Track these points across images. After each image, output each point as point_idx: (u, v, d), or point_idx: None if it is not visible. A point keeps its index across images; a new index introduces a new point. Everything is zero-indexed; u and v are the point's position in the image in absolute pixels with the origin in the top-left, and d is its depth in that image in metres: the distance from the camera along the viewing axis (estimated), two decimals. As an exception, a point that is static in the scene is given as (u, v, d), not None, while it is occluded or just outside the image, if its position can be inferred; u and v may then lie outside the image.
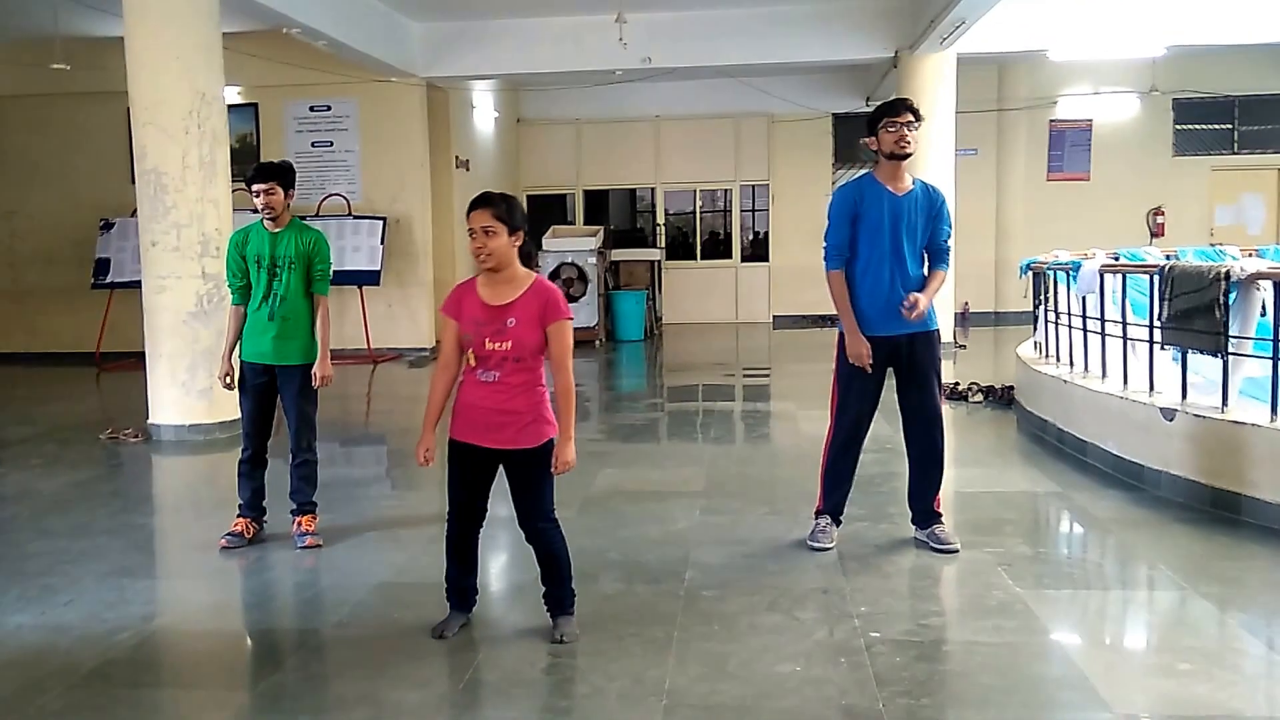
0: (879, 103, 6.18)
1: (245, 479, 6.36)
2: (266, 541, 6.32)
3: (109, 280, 15.41)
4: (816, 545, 5.91)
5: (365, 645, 4.73)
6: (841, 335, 5.88)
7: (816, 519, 6.05)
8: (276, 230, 6.24)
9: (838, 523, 6.06)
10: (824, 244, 5.89)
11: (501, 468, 4.67)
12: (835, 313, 5.84)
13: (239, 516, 6.35)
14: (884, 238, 5.71)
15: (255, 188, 6.16)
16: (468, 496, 4.72)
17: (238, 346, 6.37)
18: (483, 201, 4.54)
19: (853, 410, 5.93)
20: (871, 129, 5.78)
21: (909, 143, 5.67)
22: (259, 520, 6.41)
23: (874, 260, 5.75)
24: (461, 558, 4.82)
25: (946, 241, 5.88)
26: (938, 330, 5.93)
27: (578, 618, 4.77)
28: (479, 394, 4.56)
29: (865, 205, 5.75)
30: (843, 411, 5.95)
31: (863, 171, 5.96)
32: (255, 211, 6.21)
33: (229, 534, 6.28)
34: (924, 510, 6.01)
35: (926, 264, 5.89)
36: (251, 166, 6.37)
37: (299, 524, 6.30)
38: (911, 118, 5.68)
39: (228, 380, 6.43)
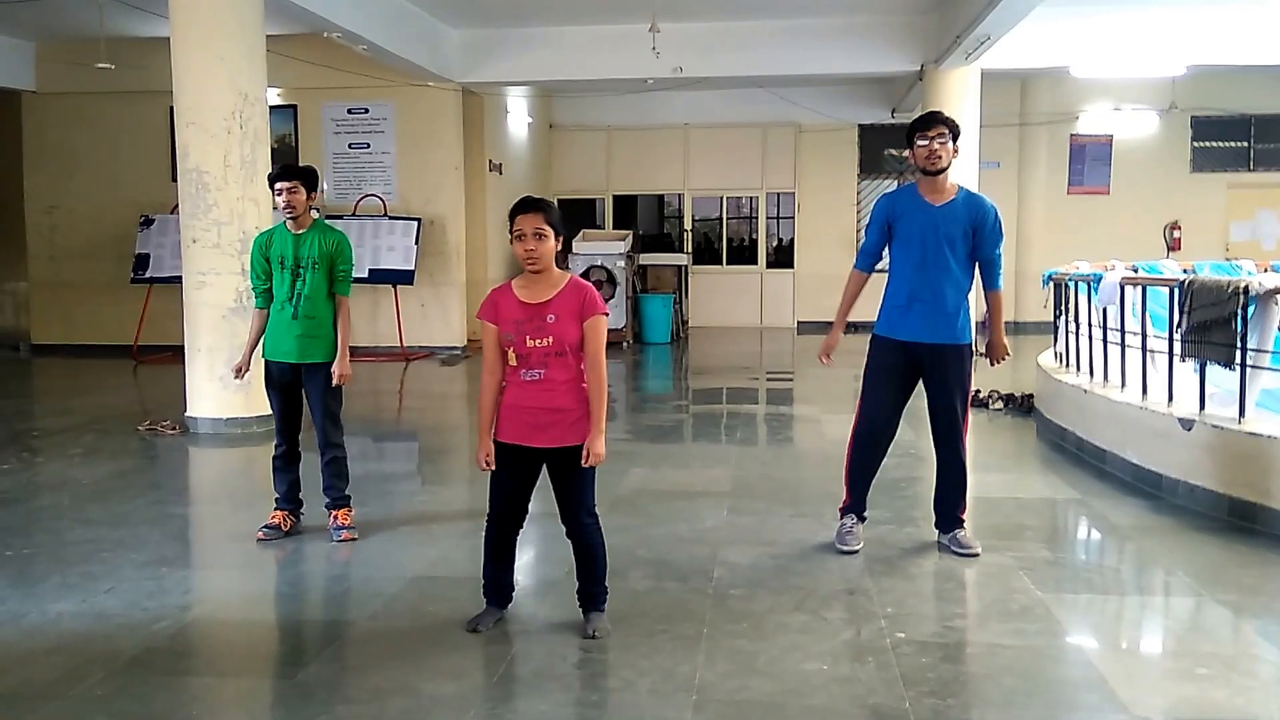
0: (908, 114, 6.29)
1: (280, 473, 6.45)
2: (303, 534, 6.40)
3: (148, 275, 15.68)
4: (844, 548, 5.99)
5: (400, 637, 4.79)
6: (872, 339, 6.00)
7: (842, 518, 6.14)
8: (299, 231, 6.33)
9: (862, 519, 6.15)
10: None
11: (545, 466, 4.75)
12: (860, 320, 5.96)
13: (275, 509, 6.45)
14: (914, 248, 5.80)
15: (278, 185, 6.25)
16: (511, 497, 4.78)
17: (259, 346, 6.47)
18: (533, 205, 4.59)
19: (872, 410, 6.04)
20: (908, 142, 5.88)
21: (939, 158, 5.74)
22: (296, 513, 6.50)
23: (903, 268, 5.86)
24: (500, 556, 4.89)
25: (995, 252, 5.86)
26: (969, 345, 5.93)
27: (609, 613, 4.83)
28: (525, 394, 4.62)
29: (899, 215, 5.86)
30: (864, 410, 6.07)
31: (903, 183, 6.07)
32: (278, 210, 6.35)
33: (266, 526, 6.37)
34: (947, 515, 6.09)
35: (979, 279, 5.93)
36: (275, 166, 6.49)
37: (334, 517, 6.39)
38: (943, 131, 5.75)
39: (239, 374, 6.54)
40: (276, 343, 6.34)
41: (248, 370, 6.54)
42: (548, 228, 4.56)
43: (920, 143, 5.77)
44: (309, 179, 6.38)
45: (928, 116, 5.91)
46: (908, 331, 5.86)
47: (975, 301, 6.03)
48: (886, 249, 6.03)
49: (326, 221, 6.63)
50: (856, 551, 5.98)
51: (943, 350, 5.85)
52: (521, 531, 4.90)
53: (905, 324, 5.86)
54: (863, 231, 5.94)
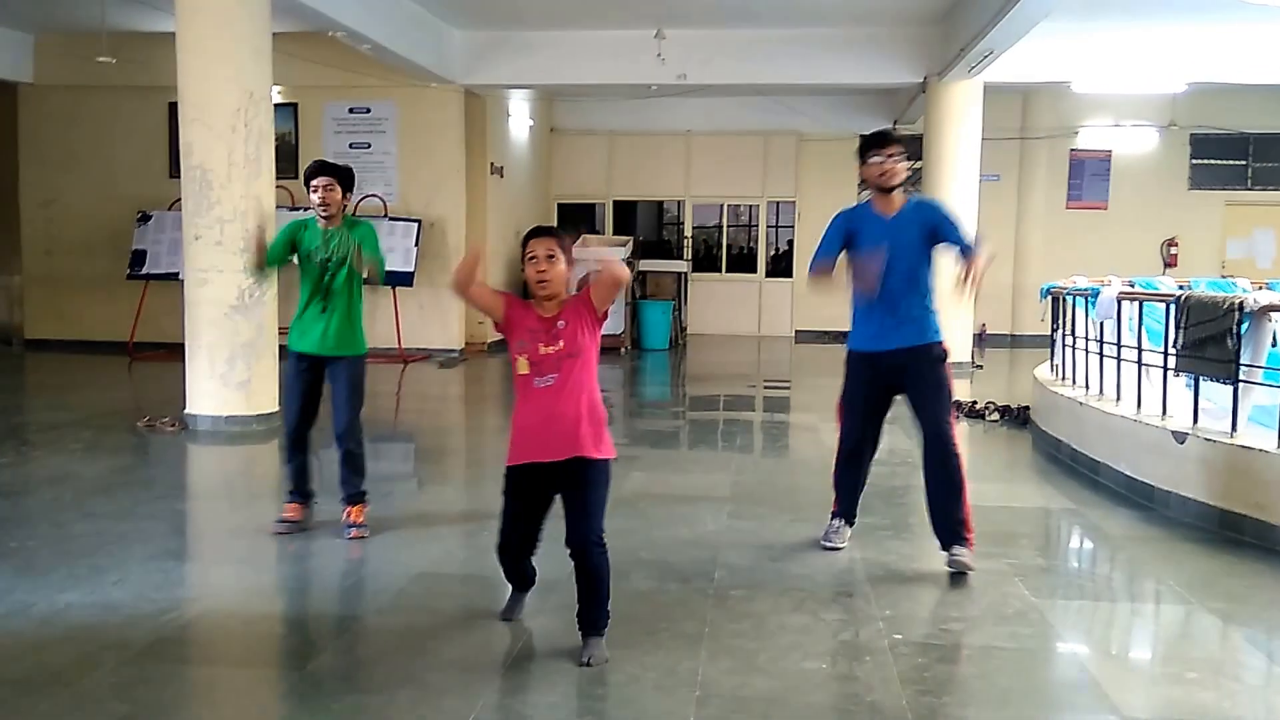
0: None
1: (289, 466, 6.50)
2: (310, 530, 6.41)
3: (144, 272, 15.69)
4: (828, 545, 6.17)
5: (408, 630, 4.83)
6: (849, 354, 6.04)
7: (831, 520, 6.29)
8: (329, 229, 6.37)
9: (851, 524, 6.28)
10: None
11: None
12: (839, 329, 5.99)
13: (289, 502, 6.48)
14: None
15: (314, 182, 6.27)
16: (523, 528, 4.77)
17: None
18: (544, 230, 4.64)
19: (853, 424, 6.10)
20: (860, 158, 5.87)
21: (894, 175, 5.76)
22: (309, 504, 6.53)
23: None
24: (518, 570, 4.96)
25: (960, 236, 5.76)
26: (939, 343, 5.88)
27: (613, 615, 4.71)
28: (537, 405, 4.56)
29: (857, 231, 5.86)
30: (846, 429, 6.14)
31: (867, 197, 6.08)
32: (291, 209, 6.32)
33: (281, 520, 6.42)
34: (945, 529, 5.89)
35: (959, 261, 5.72)
36: (312, 162, 6.47)
37: (348, 514, 6.39)
38: (897, 150, 5.78)
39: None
40: (304, 333, 6.36)
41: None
42: (559, 250, 4.57)
43: (874, 159, 5.78)
44: (346, 178, 6.41)
45: (882, 134, 5.90)
46: (882, 341, 5.87)
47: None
48: (842, 256, 5.91)
49: (354, 216, 6.65)
50: (840, 549, 6.13)
51: (917, 351, 5.84)
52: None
53: (878, 335, 5.88)
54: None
